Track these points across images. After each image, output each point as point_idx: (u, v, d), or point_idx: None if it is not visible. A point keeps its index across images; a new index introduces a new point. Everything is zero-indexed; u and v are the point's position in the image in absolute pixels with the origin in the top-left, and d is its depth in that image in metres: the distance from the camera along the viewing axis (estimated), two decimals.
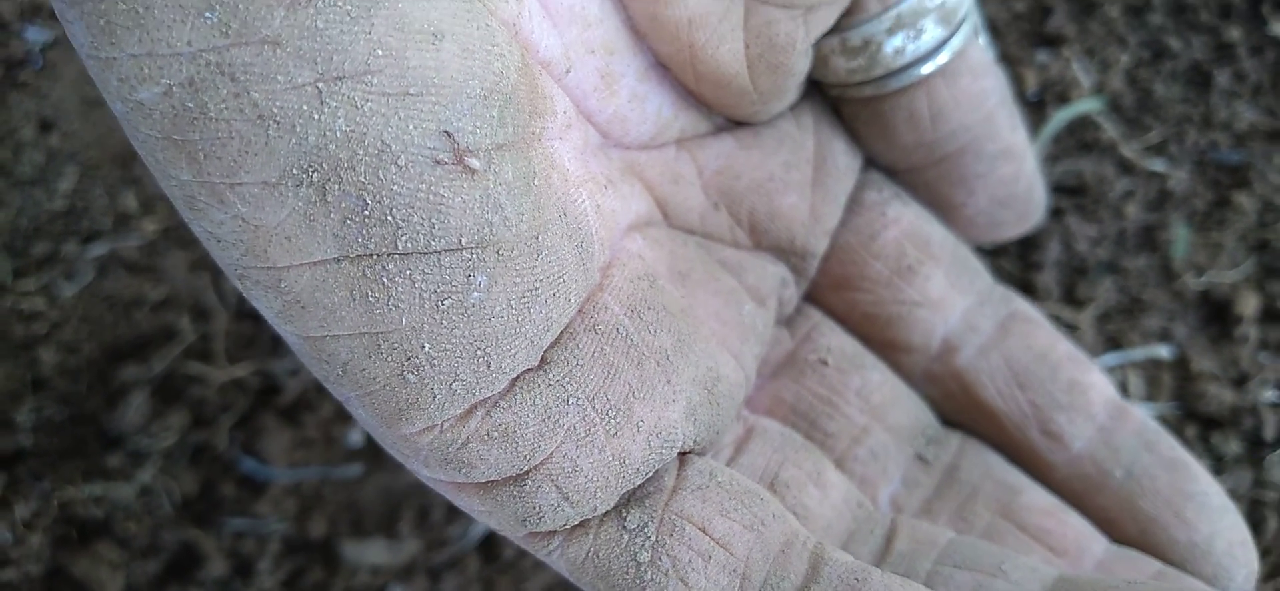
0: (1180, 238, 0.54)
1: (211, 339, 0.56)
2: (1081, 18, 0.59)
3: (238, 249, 0.21)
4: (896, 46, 0.31)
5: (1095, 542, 0.31)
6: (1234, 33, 0.58)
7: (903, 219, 0.34)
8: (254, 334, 0.56)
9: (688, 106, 0.32)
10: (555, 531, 0.26)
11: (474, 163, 0.22)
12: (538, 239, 0.24)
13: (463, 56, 0.21)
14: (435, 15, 0.21)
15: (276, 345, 0.56)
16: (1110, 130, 0.57)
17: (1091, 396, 0.33)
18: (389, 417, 0.24)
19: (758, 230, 0.33)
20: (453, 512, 0.52)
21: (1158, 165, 0.56)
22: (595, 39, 0.28)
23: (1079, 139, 0.56)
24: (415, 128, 0.21)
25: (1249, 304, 0.52)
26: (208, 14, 0.19)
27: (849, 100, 0.33)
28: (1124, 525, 0.32)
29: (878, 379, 0.34)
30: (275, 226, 0.21)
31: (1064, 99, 0.57)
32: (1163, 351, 0.51)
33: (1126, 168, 0.56)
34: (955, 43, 0.31)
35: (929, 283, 0.34)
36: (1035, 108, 0.57)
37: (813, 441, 0.32)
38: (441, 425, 0.24)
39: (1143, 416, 0.33)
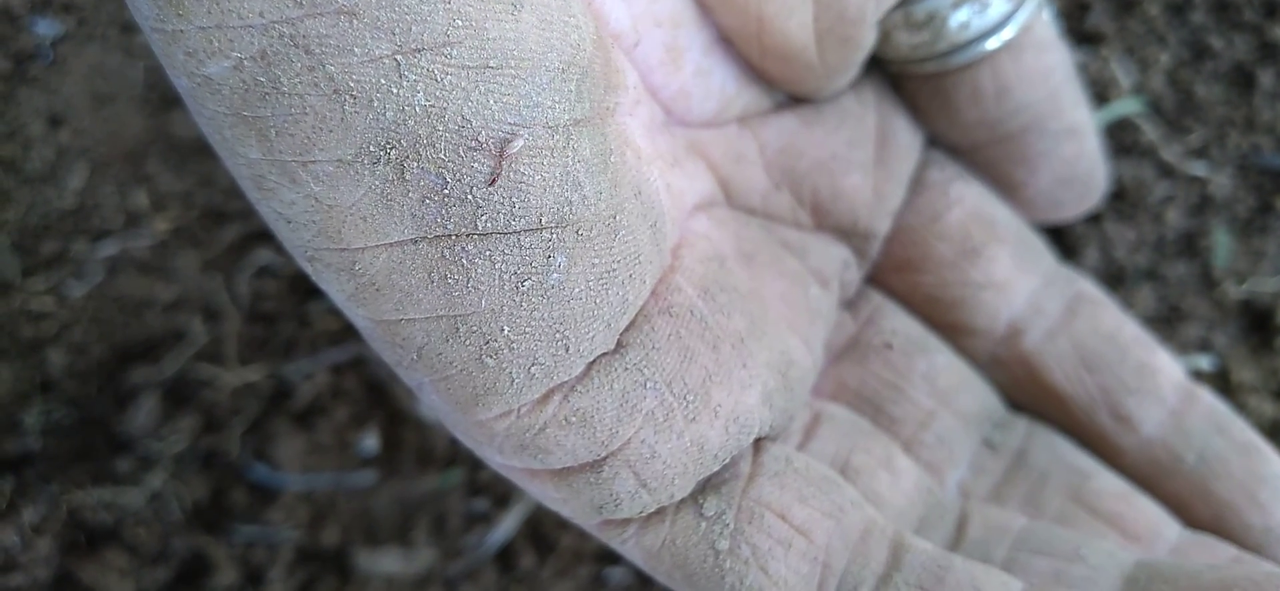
0: (1221, 244, 0.54)
1: (223, 341, 0.57)
2: (1121, 15, 0.59)
3: (309, 230, 0.21)
4: (962, 20, 0.31)
5: (1168, 527, 0.31)
6: (1278, 32, 0.58)
7: (967, 199, 0.35)
8: (267, 336, 0.57)
9: (750, 83, 0.32)
10: (630, 519, 0.27)
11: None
12: (615, 218, 0.24)
13: (541, 28, 0.21)
14: None
15: (289, 348, 0.56)
16: (1150, 132, 0.57)
17: (1161, 379, 0.33)
18: (465, 403, 0.24)
19: (820, 210, 0.33)
20: (468, 522, 0.53)
21: (1199, 169, 0.56)
22: (662, 11, 0.28)
23: (1118, 141, 0.57)
24: (496, 102, 0.21)
25: None
26: None
27: (910, 76, 0.34)
28: (1197, 509, 0.32)
29: (943, 362, 0.34)
30: (350, 206, 0.21)
31: (1103, 99, 0.57)
32: (1203, 362, 0.52)
33: (1166, 171, 0.56)
34: (1021, 16, 0.31)
35: (994, 264, 0.34)
36: None
37: (878, 427, 0.33)
38: (518, 410, 0.24)
39: (1212, 399, 0.33)
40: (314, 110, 0.20)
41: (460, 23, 0.20)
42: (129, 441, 0.55)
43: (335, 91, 0.19)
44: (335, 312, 0.57)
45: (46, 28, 0.62)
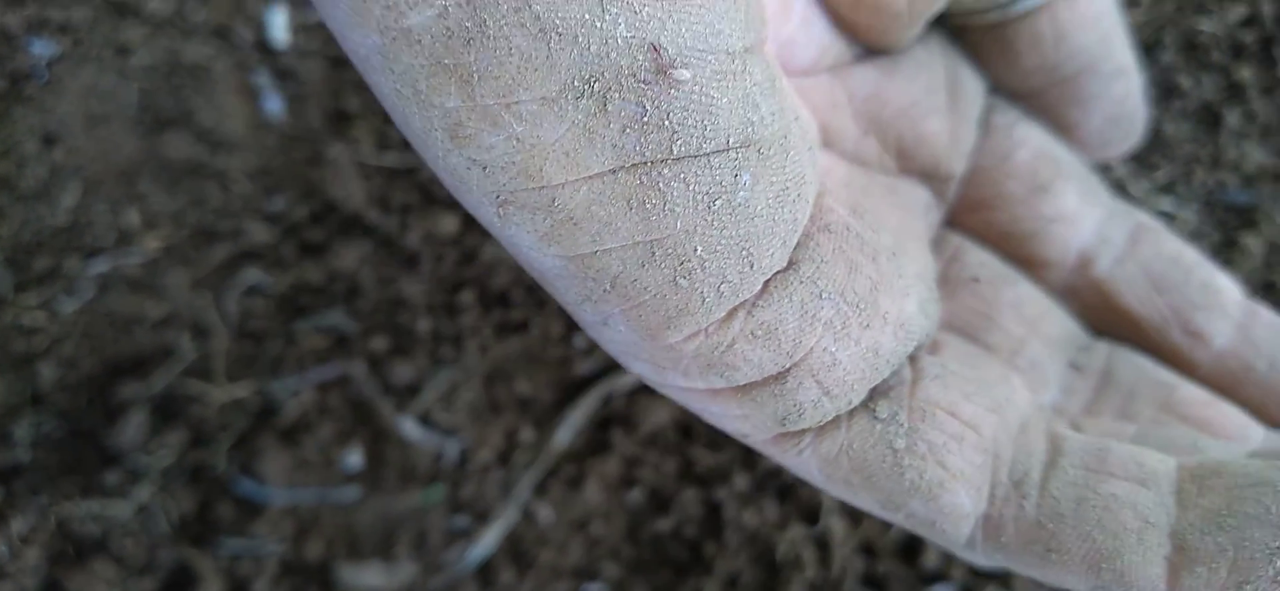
0: None
1: (211, 358, 0.58)
2: None
3: (507, 172, 0.22)
4: None
5: (1253, 429, 0.33)
6: (1245, 72, 0.61)
7: (1031, 139, 0.36)
8: (254, 354, 0.59)
9: (838, 34, 0.34)
10: (806, 430, 0.28)
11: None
12: (786, 137, 0.25)
13: None
14: None
15: (276, 366, 0.58)
16: (1119, 168, 0.59)
17: (1225, 296, 0.35)
18: (656, 328, 0.25)
19: (905, 155, 0.35)
20: (449, 538, 0.55)
21: (1166, 205, 0.59)
22: None
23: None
24: (687, 30, 0.22)
25: None
26: None
27: (972, 27, 0.36)
28: (1270, 413, 0.34)
29: (1027, 292, 0.35)
30: (553, 142, 0.22)
31: None
32: None
33: (1135, 205, 0.59)
34: None
35: (1062, 198, 0.36)
36: None
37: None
38: (706, 329, 0.25)
39: (1271, 312, 0.35)
40: (520, 50, 0.21)
41: None
42: (118, 454, 0.57)
43: (541, 30, 0.20)
44: (322, 332, 0.59)
45: (42, 48, 0.64)
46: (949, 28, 0.37)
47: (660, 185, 0.23)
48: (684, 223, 0.23)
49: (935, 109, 0.35)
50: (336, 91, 0.64)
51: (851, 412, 0.28)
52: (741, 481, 0.55)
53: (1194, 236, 0.58)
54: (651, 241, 0.23)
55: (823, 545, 0.53)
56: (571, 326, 0.58)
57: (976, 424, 0.29)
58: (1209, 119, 0.61)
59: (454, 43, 0.20)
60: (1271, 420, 0.34)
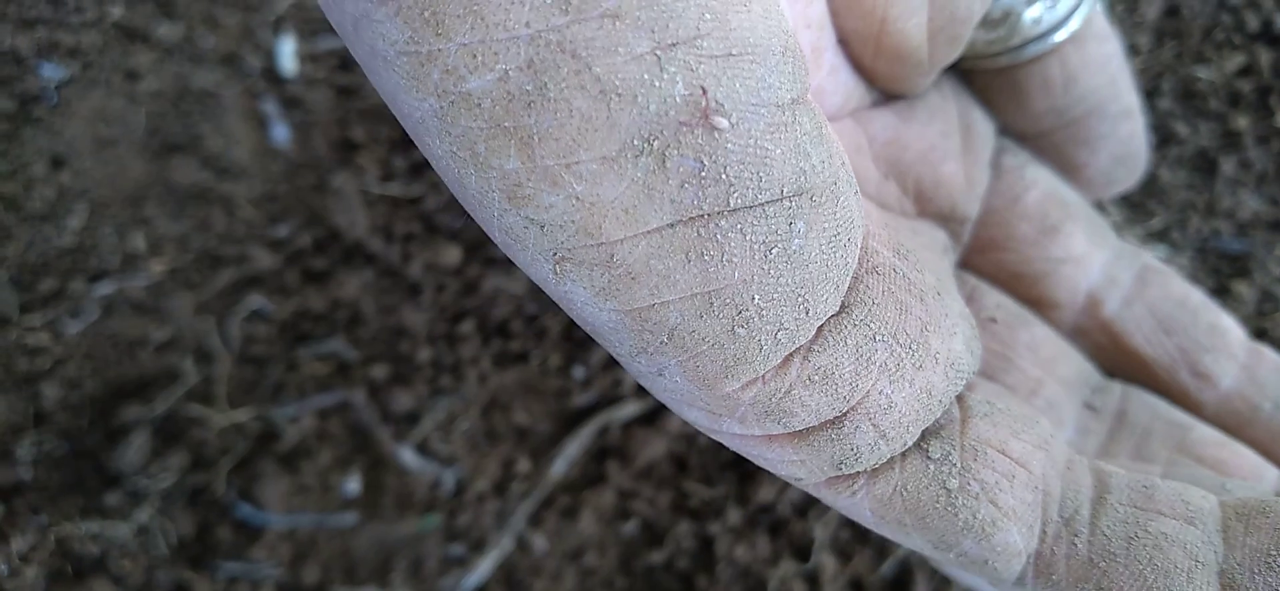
0: None
1: (213, 382, 0.60)
2: None
3: (566, 230, 0.22)
4: (1035, 17, 0.34)
5: (1268, 470, 0.33)
6: (1242, 121, 0.62)
7: (1040, 181, 0.37)
8: (256, 379, 0.60)
9: (858, 79, 0.34)
10: (860, 472, 0.28)
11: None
12: (835, 184, 0.25)
13: (765, 17, 0.22)
14: None
15: (277, 391, 0.60)
16: (1114, 214, 0.61)
17: (1230, 338, 0.36)
18: (713, 377, 0.25)
19: (923, 198, 0.36)
20: (445, 565, 0.56)
21: (1160, 251, 0.60)
22: (813, 14, 0.31)
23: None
24: (741, 86, 0.22)
25: None
26: None
27: (983, 70, 0.37)
28: (1276, 453, 0.34)
29: (1043, 334, 0.36)
30: (613, 199, 0.22)
31: None
32: None
33: None
34: (1084, 9, 0.34)
35: (1072, 240, 0.37)
36: None
37: None
38: (763, 377, 0.25)
39: (1274, 353, 0.36)
40: (580, 112, 0.21)
41: (709, 16, 0.21)
42: (118, 476, 0.58)
43: (601, 91, 0.21)
44: (323, 359, 0.60)
45: (52, 71, 0.65)
46: (959, 70, 0.38)
47: (718, 236, 0.23)
48: (741, 272, 0.24)
49: (951, 153, 0.36)
50: (343, 120, 0.65)
51: (905, 453, 0.28)
52: (734, 516, 0.56)
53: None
54: (710, 292, 0.24)
55: (814, 581, 0.54)
56: (570, 358, 0.59)
57: (1026, 461, 0.29)
58: (1205, 166, 0.62)
59: (515, 106, 0.21)
60: (1278, 460, 0.34)
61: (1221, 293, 0.59)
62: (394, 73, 0.21)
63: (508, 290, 0.60)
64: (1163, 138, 0.63)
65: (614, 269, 0.23)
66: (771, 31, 0.23)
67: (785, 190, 0.23)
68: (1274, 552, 0.27)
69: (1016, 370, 0.35)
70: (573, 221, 0.22)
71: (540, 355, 0.60)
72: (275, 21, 0.67)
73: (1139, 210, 0.61)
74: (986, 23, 0.34)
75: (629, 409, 0.58)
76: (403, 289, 0.61)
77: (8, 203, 0.63)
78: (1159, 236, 0.61)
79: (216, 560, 0.56)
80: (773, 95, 0.23)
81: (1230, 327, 0.36)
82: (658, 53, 0.21)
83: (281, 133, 0.65)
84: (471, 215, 0.24)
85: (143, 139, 0.65)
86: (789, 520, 0.56)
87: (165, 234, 0.63)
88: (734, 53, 0.22)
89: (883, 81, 0.34)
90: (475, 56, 0.20)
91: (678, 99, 0.21)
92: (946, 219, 0.36)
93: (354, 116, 0.65)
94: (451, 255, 0.61)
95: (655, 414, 0.58)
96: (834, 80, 0.33)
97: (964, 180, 0.36)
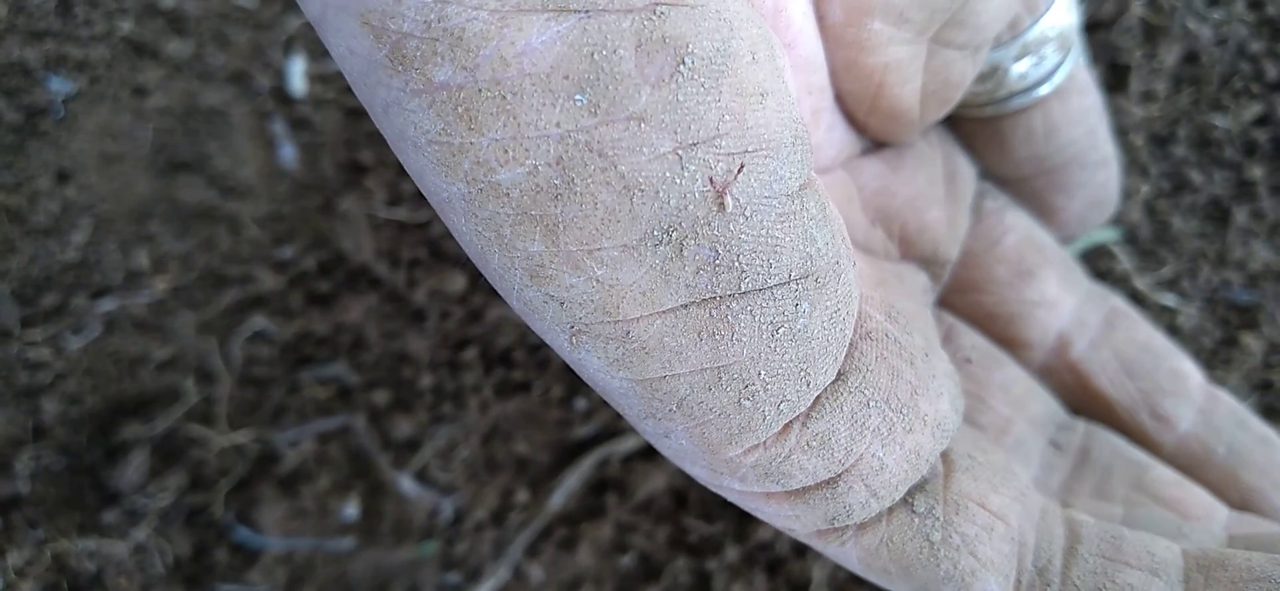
0: None
1: (214, 402, 0.61)
2: None
3: (585, 308, 0.24)
4: (1021, 72, 0.37)
5: (1218, 510, 0.36)
6: (1257, 171, 0.63)
7: (1019, 225, 0.40)
8: (257, 401, 0.61)
9: (851, 131, 0.36)
10: (849, 525, 0.30)
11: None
12: (838, 263, 0.27)
13: (778, 110, 0.24)
14: (760, 76, 0.24)
15: (278, 414, 0.61)
16: (1125, 261, 0.62)
17: (1190, 382, 0.39)
18: (717, 444, 0.27)
19: (907, 243, 0.38)
20: None
21: (1169, 300, 0.61)
22: (814, 82, 0.33)
23: (1093, 267, 0.62)
24: (756, 180, 0.24)
25: None
26: (578, 97, 0.22)
27: (967, 119, 0.40)
28: (1227, 495, 0.37)
29: (1014, 374, 0.39)
30: (631, 283, 0.24)
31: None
32: None
33: (1138, 300, 0.61)
34: (1068, 65, 0.37)
35: (1045, 284, 0.40)
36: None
37: None
38: (764, 443, 0.27)
39: (1231, 398, 0.39)
40: (604, 205, 0.23)
41: (728, 117, 0.23)
42: (117, 494, 0.59)
43: (625, 187, 0.22)
44: (325, 382, 0.61)
45: (59, 85, 0.66)
46: (947, 118, 0.40)
47: (729, 317, 0.25)
48: (749, 350, 0.25)
49: (936, 200, 0.38)
50: (351, 143, 0.66)
51: (891, 507, 0.30)
52: (732, 553, 0.57)
53: (1195, 334, 0.61)
54: (719, 367, 0.25)
55: None
56: (572, 390, 0.61)
57: (1004, 514, 0.31)
58: (1218, 215, 0.63)
59: (542, 197, 0.22)
60: (1230, 502, 0.37)
61: (1229, 344, 0.60)
62: (423, 157, 0.23)
63: (512, 319, 0.61)
64: (1176, 185, 0.64)
65: (629, 344, 0.25)
66: (784, 123, 0.24)
67: (793, 274, 0.25)
68: None
69: (989, 409, 0.37)
70: (592, 301, 0.24)
71: (542, 385, 0.61)
72: (286, 41, 0.68)
73: (1149, 258, 0.62)
74: (976, 76, 0.36)
75: (629, 442, 0.59)
76: (407, 314, 0.62)
77: (12, 216, 0.64)
78: (1169, 285, 0.62)
79: (213, 581, 0.57)
80: (783, 186, 0.25)
81: (1191, 373, 0.39)
82: (680, 152, 0.22)
83: (289, 153, 0.66)
84: (491, 284, 0.25)
85: (149, 155, 0.66)
86: (787, 559, 0.57)
87: (169, 252, 0.64)
88: (750, 149, 0.23)
89: (874, 134, 0.37)
90: (506, 151, 0.22)
91: (697, 194, 0.23)
92: (928, 261, 0.39)
93: (362, 139, 0.66)
94: (457, 282, 0.62)
95: (655, 449, 0.59)
96: (830, 137, 0.35)
97: (947, 225, 0.39)
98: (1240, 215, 0.63)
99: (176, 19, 0.68)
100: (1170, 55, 0.65)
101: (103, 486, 0.60)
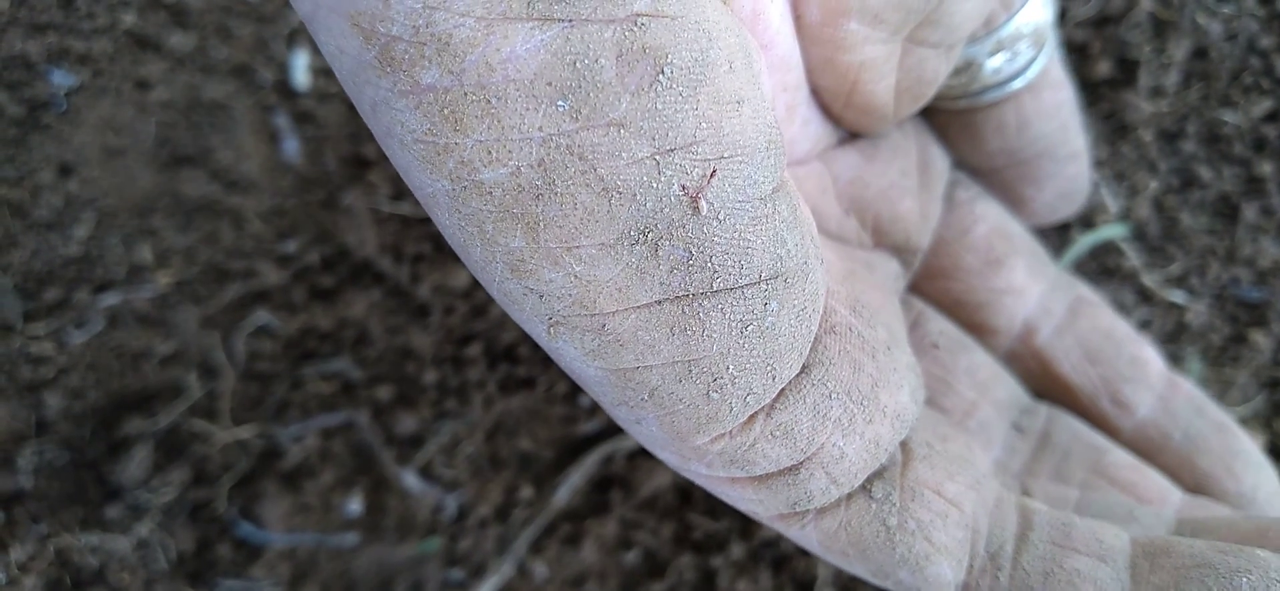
0: (1193, 371, 0.60)
1: (217, 397, 0.61)
2: (1114, 140, 0.64)
3: (563, 301, 0.26)
4: (995, 67, 0.38)
5: (1172, 493, 0.38)
6: (1266, 167, 0.63)
7: (989, 215, 0.42)
8: (260, 396, 0.62)
9: (826, 123, 0.38)
10: (810, 510, 0.32)
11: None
12: (806, 263, 0.29)
13: (754, 116, 0.26)
14: (737, 84, 0.25)
15: (281, 409, 0.61)
16: (1133, 258, 0.62)
17: (1150, 369, 0.41)
18: (686, 432, 0.29)
19: (880, 232, 0.40)
20: (445, 588, 0.58)
21: (1177, 296, 0.62)
22: (790, 80, 0.35)
23: (1101, 264, 0.62)
24: (729, 185, 0.25)
25: (1255, 440, 0.56)
26: (560, 102, 0.23)
27: (943, 110, 0.41)
28: (1183, 478, 0.39)
29: (980, 359, 0.41)
30: (608, 280, 0.25)
31: (1089, 224, 0.63)
32: None
33: (1146, 296, 0.62)
34: (1042, 60, 0.39)
35: (1013, 273, 0.42)
36: (1060, 230, 0.63)
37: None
38: (730, 432, 0.29)
39: (1190, 385, 0.41)
40: (584, 205, 0.24)
41: (705, 124, 0.24)
42: (119, 489, 0.60)
43: (604, 189, 0.24)
44: (328, 378, 0.62)
45: (62, 78, 0.67)
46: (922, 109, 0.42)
47: (701, 314, 0.26)
48: (719, 346, 0.27)
49: (909, 190, 0.40)
50: (355, 137, 0.67)
51: (850, 494, 0.32)
52: (737, 550, 0.58)
53: (1203, 331, 0.62)
54: (689, 361, 0.27)
55: None
56: (577, 386, 0.61)
57: (959, 501, 0.32)
58: (1227, 212, 0.64)
59: (524, 197, 0.24)
60: (1186, 485, 0.39)
61: (1238, 341, 0.61)
62: (409, 154, 0.24)
63: None
64: (1185, 181, 0.64)
65: (604, 336, 0.26)
66: (758, 129, 0.26)
67: (763, 274, 0.27)
68: (1174, 590, 0.31)
69: (955, 393, 0.39)
70: (570, 295, 0.25)
71: (546, 381, 0.62)
72: (289, 34, 0.68)
73: (1158, 254, 0.63)
74: (951, 71, 0.38)
75: (634, 439, 0.60)
76: (410, 310, 0.63)
77: (14, 210, 0.65)
78: (1177, 282, 0.62)
79: (216, 577, 0.58)
80: (756, 190, 0.26)
81: (1151, 359, 0.41)
82: (657, 158, 0.24)
83: (292, 147, 0.66)
84: (472, 273, 0.27)
85: (152, 149, 0.66)
86: (791, 556, 0.58)
87: (172, 246, 0.64)
88: (726, 155, 0.25)
89: (850, 127, 0.39)
90: (490, 152, 0.23)
91: (672, 197, 0.25)
92: (900, 250, 0.41)
93: (366, 133, 0.67)
94: (461, 277, 0.63)
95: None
96: (805, 131, 0.37)
97: (919, 215, 0.41)
98: (1250, 212, 0.63)
99: (179, 12, 0.69)
100: (1180, 50, 0.65)
101: (105, 481, 0.60)
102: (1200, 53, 0.66)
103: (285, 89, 0.68)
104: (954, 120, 0.41)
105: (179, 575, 0.58)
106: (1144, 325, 0.62)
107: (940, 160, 0.42)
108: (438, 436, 0.61)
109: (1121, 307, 0.62)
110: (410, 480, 0.60)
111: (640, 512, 0.59)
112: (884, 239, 0.40)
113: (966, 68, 0.38)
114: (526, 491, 0.60)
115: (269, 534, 0.59)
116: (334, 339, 0.63)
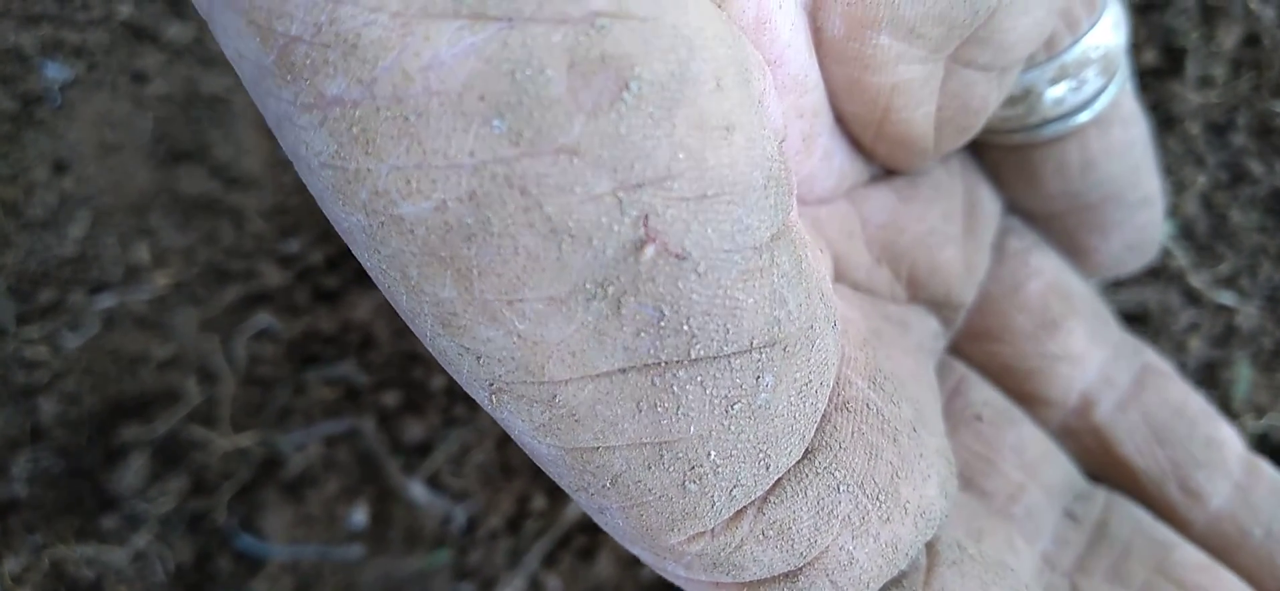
0: (1242, 376, 0.61)
1: (217, 403, 0.63)
2: (1161, 133, 0.65)
3: (504, 366, 0.22)
4: (1057, 96, 0.35)
5: None
6: None
7: (1046, 269, 0.39)
8: (262, 402, 0.63)
9: (855, 157, 0.34)
10: None
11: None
12: (812, 328, 0.25)
13: (747, 147, 0.22)
14: (727, 107, 0.21)
15: (283, 416, 0.63)
16: (1180, 257, 0.63)
17: (1227, 452, 0.37)
18: (656, 529, 0.25)
19: (916, 284, 0.36)
20: None
21: (1226, 298, 0.62)
22: (806, 104, 0.30)
23: (1146, 264, 0.63)
24: (712, 230, 0.21)
25: None
26: (496, 122, 0.19)
27: (995, 146, 0.38)
28: (1264, 582, 0.35)
29: (1029, 434, 0.37)
30: (558, 341, 0.22)
31: None
32: None
33: (1193, 298, 0.62)
34: (1112, 91, 0.35)
35: (1071, 337, 0.38)
36: None
37: (972, 500, 0.35)
38: (712, 531, 0.25)
39: (1274, 473, 0.37)
40: (527, 250, 0.20)
41: (682, 154, 0.21)
42: (116, 499, 0.61)
43: (552, 231, 0.20)
44: (332, 383, 0.63)
45: (56, 71, 0.69)
46: (972, 144, 0.38)
47: (674, 388, 0.23)
48: (698, 427, 0.23)
49: (952, 237, 0.37)
50: None
51: None
52: None
53: (1254, 334, 0.62)
54: (660, 443, 0.23)
55: None
56: None
57: None
58: (1279, 208, 0.64)
59: (452, 237, 0.20)
60: (1265, 590, 0.36)
61: None
62: (318, 181, 0.21)
63: None
64: (1235, 176, 0.65)
65: (556, 409, 0.23)
66: (754, 162, 0.22)
67: (755, 341, 0.23)
68: None
69: (999, 474, 0.36)
70: (512, 358, 0.22)
71: None
72: None
73: (1207, 253, 0.63)
74: (1006, 99, 0.35)
75: None
76: None
77: (7, 208, 0.66)
78: (1227, 282, 0.63)
79: None
80: (749, 238, 0.22)
81: (1228, 440, 0.37)
82: (619, 194, 0.20)
83: None
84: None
85: (149, 145, 0.68)
86: None
87: (170, 245, 0.66)
88: (709, 194, 0.21)
89: (882, 162, 0.35)
90: (409, 182, 0.20)
91: (638, 243, 0.21)
92: (940, 306, 0.37)
93: None
94: None
95: None
96: (827, 165, 0.33)
97: (963, 266, 0.37)
98: None
99: (176, 2, 0.70)
100: (1229, 37, 0.66)
101: (102, 490, 0.62)
102: (1251, 40, 0.67)
103: None
104: (1008, 158, 0.38)
105: (177, 588, 0.60)
106: (1191, 328, 0.62)
107: (991, 204, 0.39)
108: (446, 444, 0.62)
109: (1168, 311, 0.62)
110: (417, 490, 0.61)
111: None
112: (921, 293, 0.37)
113: (1023, 97, 0.35)
114: (539, 501, 0.61)
115: (270, 546, 0.60)
116: (338, 342, 0.64)
